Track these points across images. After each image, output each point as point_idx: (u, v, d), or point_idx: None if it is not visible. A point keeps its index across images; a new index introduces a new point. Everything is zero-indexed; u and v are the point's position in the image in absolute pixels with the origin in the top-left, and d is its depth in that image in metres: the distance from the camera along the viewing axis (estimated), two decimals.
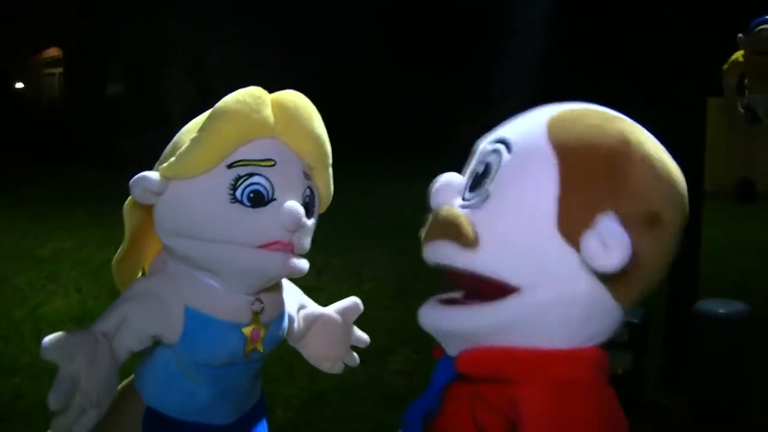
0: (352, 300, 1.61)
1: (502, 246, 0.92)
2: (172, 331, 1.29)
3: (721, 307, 3.13)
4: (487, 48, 11.40)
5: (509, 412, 0.90)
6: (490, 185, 0.95)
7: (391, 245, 5.73)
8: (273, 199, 1.26)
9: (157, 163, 1.33)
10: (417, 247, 1.03)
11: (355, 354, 1.63)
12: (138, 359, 1.41)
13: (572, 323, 0.92)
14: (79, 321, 4.13)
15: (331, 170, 1.40)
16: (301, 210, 1.26)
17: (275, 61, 11.93)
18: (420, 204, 1.08)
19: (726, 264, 5.31)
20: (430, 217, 1.00)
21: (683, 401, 3.19)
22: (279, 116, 1.29)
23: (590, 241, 0.86)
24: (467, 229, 0.93)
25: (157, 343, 1.32)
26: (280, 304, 1.41)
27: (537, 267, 0.91)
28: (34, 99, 15.92)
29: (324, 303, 1.63)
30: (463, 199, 1.00)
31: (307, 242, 1.34)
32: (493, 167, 0.96)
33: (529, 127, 0.97)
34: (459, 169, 1.08)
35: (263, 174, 1.26)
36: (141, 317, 1.26)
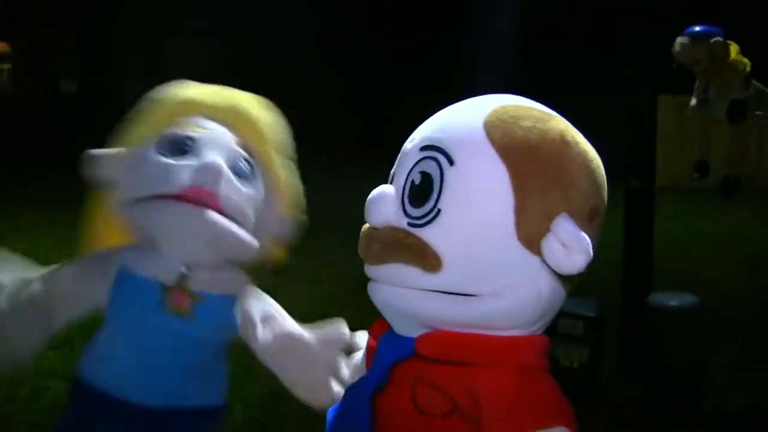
0: (337, 330, 1.47)
1: (465, 262, 0.91)
2: (104, 290, 1.35)
3: (672, 299, 3.20)
4: (467, 44, 11.44)
5: (457, 395, 0.92)
6: (440, 201, 0.92)
7: (349, 244, 5.72)
8: (196, 155, 1.33)
9: None
10: None
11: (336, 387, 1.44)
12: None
13: (534, 316, 0.95)
14: None
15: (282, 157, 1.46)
16: (220, 161, 1.32)
17: (241, 57, 11.80)
18: None
19: (680, 256, 5.45)
20: (375, 237, 0.98)
21: (638, 392, 3.26)
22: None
23: (552, 245, 0.88)
24: (430, 253, 0.91)
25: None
26: (227, 285, 1.41)
27: (502, 276, 0.91)
28: None
29: (284, 304, 1.60)
30: (406, 214, 0.96)
31: (235, 204, 1.34)
32: (435, 179, 0.94)
33: (466, 132, 0.95)
34: None
35: (189, 134, 1.36)
36: (78, 276, 1.38)
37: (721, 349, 3.65)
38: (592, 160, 0.95)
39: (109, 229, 1.46)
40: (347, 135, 12.39)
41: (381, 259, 0.96)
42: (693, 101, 7.36)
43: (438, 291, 0.92)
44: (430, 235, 0.92)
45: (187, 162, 1.32)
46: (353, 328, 1.48)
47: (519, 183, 0.90)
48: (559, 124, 0.96)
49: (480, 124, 0.94)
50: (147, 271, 1.34)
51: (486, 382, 0.91)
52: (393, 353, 0.98)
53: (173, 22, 12.04)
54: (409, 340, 0.96)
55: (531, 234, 0.90)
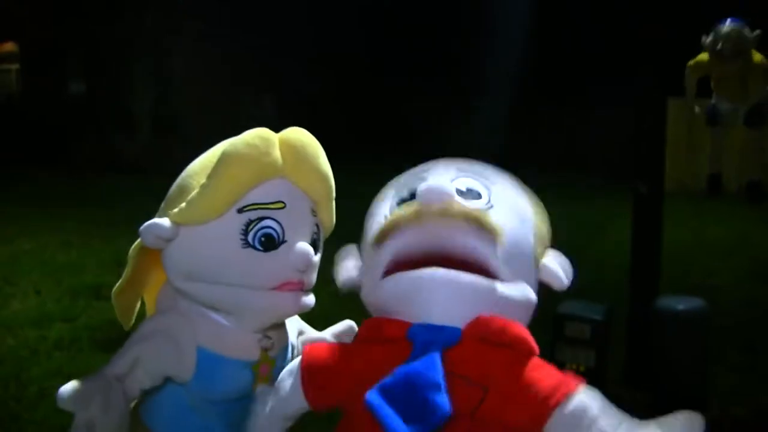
0: (347, 323, 1.62)
1: (510, 246, 1.13)
2: (185, 369, 1.31)
3: (679, 303, 3.19)
4: (465, 51, 11.43)
5: (492, 378, 1.06)
6: (491, 201, 1.16)
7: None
8: (284, 242, 1.30)
9: (163, 205, 1.35)
10: None
11: None
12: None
13: (526, 320, 1.18)
14: (38, 324, 4.03)
15: (333, 202, 1.45)
16: (311, 250, 1.32)
17: (246, 59, 11.80)
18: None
19: (688, 261, 5.43)
20: (444, 204, 1.11)
21: (644, 396, 3.24)
22: (287, 157, 1.31)
23: (554, 264, 1.19)
24: (497, 224, 1.12)
25: (167, 379, 1.35)
26: (285, 336, 1.45)
27: (523, 271, 1.15)
28: None
29: None
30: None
31: (314, 278, 1.39)
32: (483, 189, 1.18)
33: (490, 170, 1.26)
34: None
35: (274, 217, 1.29)
36: (154, 358, 1.29)
37: (729, 354, 3.64)
38: None
39: (148, 273, 1.44)
40: (347, 135, 12.37)
41: (451, 220, 1.10)
42: (697, 109, 7.33)
43: (480, 262, 1.10)
44: (491, 213, 1.14)
45: (278, 257, 1.29)
46: None
47: (535, 212, 1.22)
48: None
49: (491, 168, 1.28)
50: (235, 354, 1.34)
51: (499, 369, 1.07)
52: (440, 339, 1.07)
53: (174, 23, 12.04)
54: (450, 329, 1.08)
55: (539, 252, 1.18)
